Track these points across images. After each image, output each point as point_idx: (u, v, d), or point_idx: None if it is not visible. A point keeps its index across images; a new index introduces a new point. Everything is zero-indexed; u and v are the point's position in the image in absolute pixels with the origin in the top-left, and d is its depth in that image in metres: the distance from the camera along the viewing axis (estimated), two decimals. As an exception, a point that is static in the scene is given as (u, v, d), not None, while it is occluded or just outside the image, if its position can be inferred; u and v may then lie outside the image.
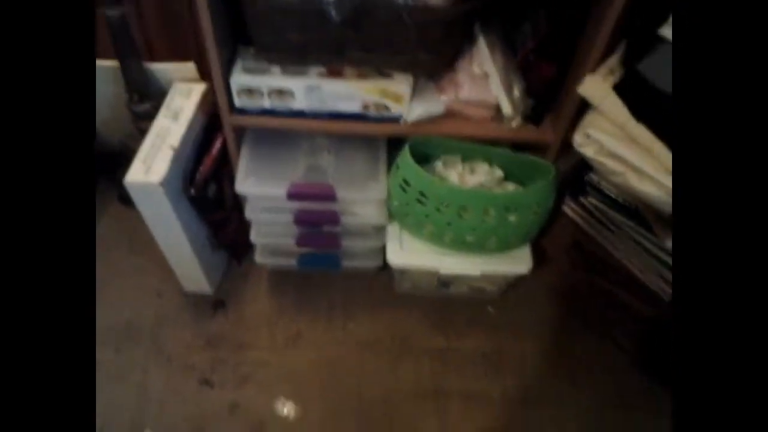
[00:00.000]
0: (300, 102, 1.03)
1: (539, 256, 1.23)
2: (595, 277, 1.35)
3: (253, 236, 1.20)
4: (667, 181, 0.94)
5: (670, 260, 1.12)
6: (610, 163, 1.03)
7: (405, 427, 1.14)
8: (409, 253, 1.15)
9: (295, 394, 1.17)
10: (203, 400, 1.16)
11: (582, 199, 1.30)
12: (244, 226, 1.21)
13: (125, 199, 1.00)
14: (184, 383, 1.18)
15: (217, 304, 1.32)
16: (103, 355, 1.21)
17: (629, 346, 1.30)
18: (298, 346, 1.26)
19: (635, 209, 1.14)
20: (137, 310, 1.29)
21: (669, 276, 1.14)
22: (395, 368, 1.23)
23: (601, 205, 1.26)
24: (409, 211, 1.09)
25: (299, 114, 1.06)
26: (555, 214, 1.32)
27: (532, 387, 1.22)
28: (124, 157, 1.01)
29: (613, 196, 1.20)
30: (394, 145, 1.15)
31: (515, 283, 1.31)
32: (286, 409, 1.15)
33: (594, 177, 1.25)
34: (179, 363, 1.21)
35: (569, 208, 1.34)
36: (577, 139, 1.07)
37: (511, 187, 1.16)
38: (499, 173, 1.15)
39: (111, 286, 1.32)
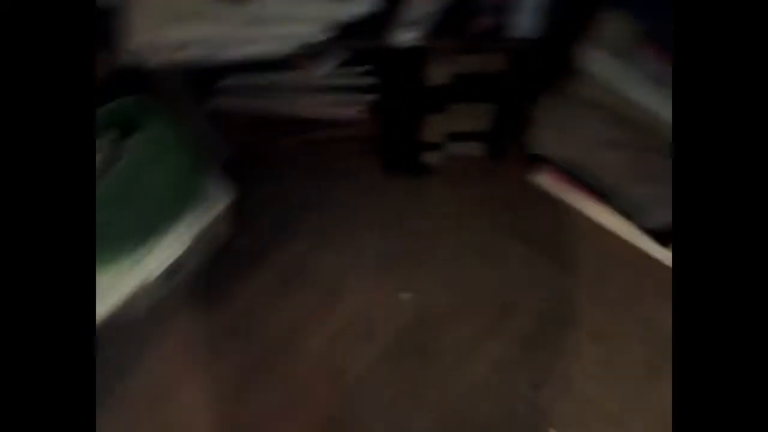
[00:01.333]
0: None
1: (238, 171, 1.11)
2: (287, 138, 1.24)
3: None
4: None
5: (334, 82, 1.08)
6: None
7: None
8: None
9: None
10: None
11: (219, 94, 1.12)
12: None
13: None
14: None
15: None
16: None
17: (367, 165, 1.31)
18: None
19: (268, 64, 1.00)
20: None
21: (334, 97, 1.10)
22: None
23: (234, 83, 1.10)
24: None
25: None
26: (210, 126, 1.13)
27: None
28: None
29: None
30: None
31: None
32: None
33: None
34: None
35: (220, 106, 1.15)
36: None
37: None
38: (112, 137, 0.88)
39: None
